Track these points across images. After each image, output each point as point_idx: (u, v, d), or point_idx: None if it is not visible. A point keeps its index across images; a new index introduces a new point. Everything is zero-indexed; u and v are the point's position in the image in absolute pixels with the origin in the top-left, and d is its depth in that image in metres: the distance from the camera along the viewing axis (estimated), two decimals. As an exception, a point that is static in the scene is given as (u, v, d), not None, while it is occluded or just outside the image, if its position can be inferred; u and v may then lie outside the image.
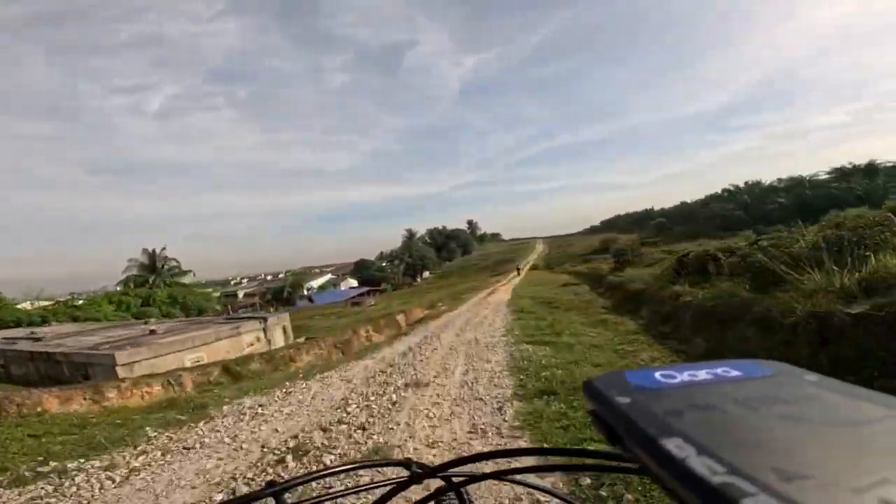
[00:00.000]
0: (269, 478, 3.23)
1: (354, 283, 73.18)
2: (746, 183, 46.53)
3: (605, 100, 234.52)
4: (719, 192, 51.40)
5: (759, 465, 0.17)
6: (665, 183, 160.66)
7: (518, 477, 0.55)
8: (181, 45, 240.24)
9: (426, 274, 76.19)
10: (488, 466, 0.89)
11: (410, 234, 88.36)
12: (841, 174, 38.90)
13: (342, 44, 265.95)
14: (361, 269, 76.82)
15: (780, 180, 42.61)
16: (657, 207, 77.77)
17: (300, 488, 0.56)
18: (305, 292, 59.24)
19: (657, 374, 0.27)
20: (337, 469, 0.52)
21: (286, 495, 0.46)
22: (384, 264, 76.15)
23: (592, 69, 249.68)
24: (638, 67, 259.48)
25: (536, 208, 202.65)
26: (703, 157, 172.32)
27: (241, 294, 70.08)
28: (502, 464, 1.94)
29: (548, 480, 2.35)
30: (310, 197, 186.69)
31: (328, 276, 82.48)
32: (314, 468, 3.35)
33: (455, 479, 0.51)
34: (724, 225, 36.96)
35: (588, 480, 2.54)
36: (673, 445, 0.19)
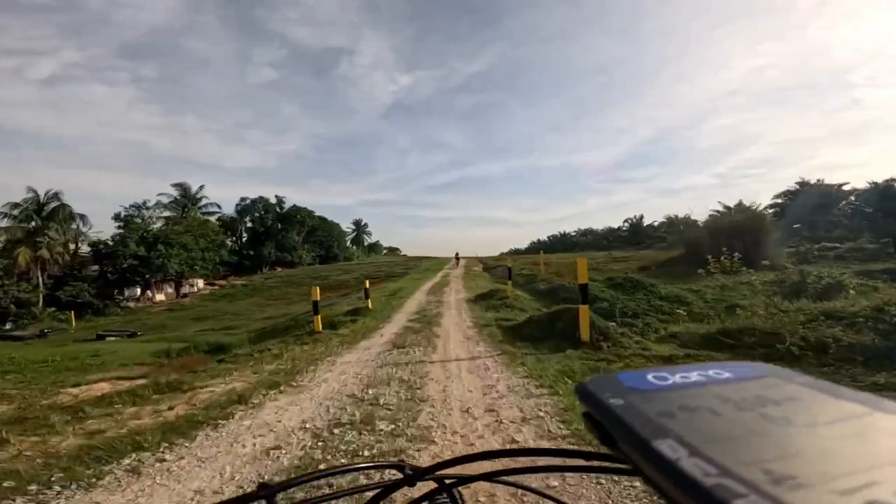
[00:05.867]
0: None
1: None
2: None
3: (516, 138, 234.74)
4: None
5: (751, 466, 0.17)
6: (553, 224, 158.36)
7: (510, 478, 0.54)
8: (96, 14, 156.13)
9: (190, 289, 38.25)
10: (482, 467, 0.68)
11: (185, 193, 45.60)
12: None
13: (279, 38, 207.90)
14: None
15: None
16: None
17: (292, 490, 0.59)
18: None
19: (650, 376, 0.26)
20: (330, 472, 0.52)
21: (279, 496, 0.45)
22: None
23: (511, 106, 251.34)
24: (552, 110, 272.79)
25: (437, 234, 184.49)
26: (591, 204, 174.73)
27: None
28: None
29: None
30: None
31: None
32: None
33: (447, 481, 0.51)
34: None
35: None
36: (666, 447, 0.19)
